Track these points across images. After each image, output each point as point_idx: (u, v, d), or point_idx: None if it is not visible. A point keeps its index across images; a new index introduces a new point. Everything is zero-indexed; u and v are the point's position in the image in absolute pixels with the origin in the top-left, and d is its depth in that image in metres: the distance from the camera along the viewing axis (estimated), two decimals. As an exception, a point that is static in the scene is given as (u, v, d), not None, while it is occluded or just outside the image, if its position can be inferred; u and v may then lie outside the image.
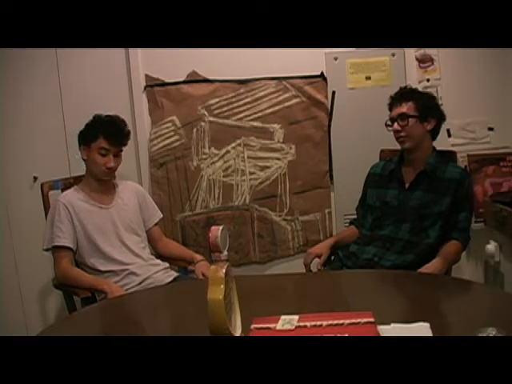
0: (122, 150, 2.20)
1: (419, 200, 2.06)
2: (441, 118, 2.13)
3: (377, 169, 2.27)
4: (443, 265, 1.87)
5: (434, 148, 2.15)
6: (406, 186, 2.12)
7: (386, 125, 2.15)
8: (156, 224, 2.38)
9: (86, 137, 2.16)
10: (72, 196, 2.15)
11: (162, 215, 2.43)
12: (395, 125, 2.09)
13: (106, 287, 1.95)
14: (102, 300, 1.96)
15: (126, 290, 2.02)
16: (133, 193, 2.30)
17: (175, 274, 2.23)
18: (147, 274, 2.13)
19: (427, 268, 1.85)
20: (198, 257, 2.26)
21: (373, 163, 2.33)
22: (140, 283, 2.09)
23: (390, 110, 2.15)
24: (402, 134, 2.08)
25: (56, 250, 2.08)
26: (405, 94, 2.14)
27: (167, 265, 2.26)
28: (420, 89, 2.69)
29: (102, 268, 2.09)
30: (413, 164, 2.12)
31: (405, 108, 2.07)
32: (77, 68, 2.73)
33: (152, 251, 2.37)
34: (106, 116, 2.20)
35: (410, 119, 2.06)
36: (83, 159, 2.19)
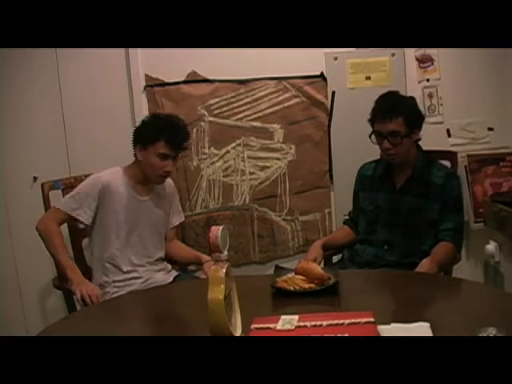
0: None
1: (410, 205, 2.05)
2: (423, 119, 2.06)
3: (368, 171, 2.23)
4: (430, 264, 1.86)
5: (418, 147, 2.11)
6: (397, 188, 2.09)
7: (371, 138, 2.03)
8: (175, 227, 2.34)
9: (144, 137, 2.03)
10: (115, 178, 2.07)
11: (183, 218, 2.39)
12: (385, 143, 1.99)
13: (71, 275, 1.87)
14: (71, 293, 1.90)
15: (129, 291, 2.00)
16: (168, 189, 2.24)
17: (175, 274, 2.21)
18: (149, 275, 2.12)
19: (417, 269, 1.85)
20: (206, 257, 2.20)
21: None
22: (141, 283, 2.08)
23: (373, 121, 2.03)
24: (393, 151, 2.01)
25: (56, 209, 2.03)
26: (393, 108, 1.99)
27: (169, 266, 2.24)
28: (420, 89, 2.71)
29: (109, 275, 2.06)
30: (401, 169, 2.09)
31: (395, 125, 1.96)
32: (77, 68, 2.72)
33: None
34: (167, 116, 2.10)
35: (404, 138, 1.98)
36: (136, 158, 2.09)
